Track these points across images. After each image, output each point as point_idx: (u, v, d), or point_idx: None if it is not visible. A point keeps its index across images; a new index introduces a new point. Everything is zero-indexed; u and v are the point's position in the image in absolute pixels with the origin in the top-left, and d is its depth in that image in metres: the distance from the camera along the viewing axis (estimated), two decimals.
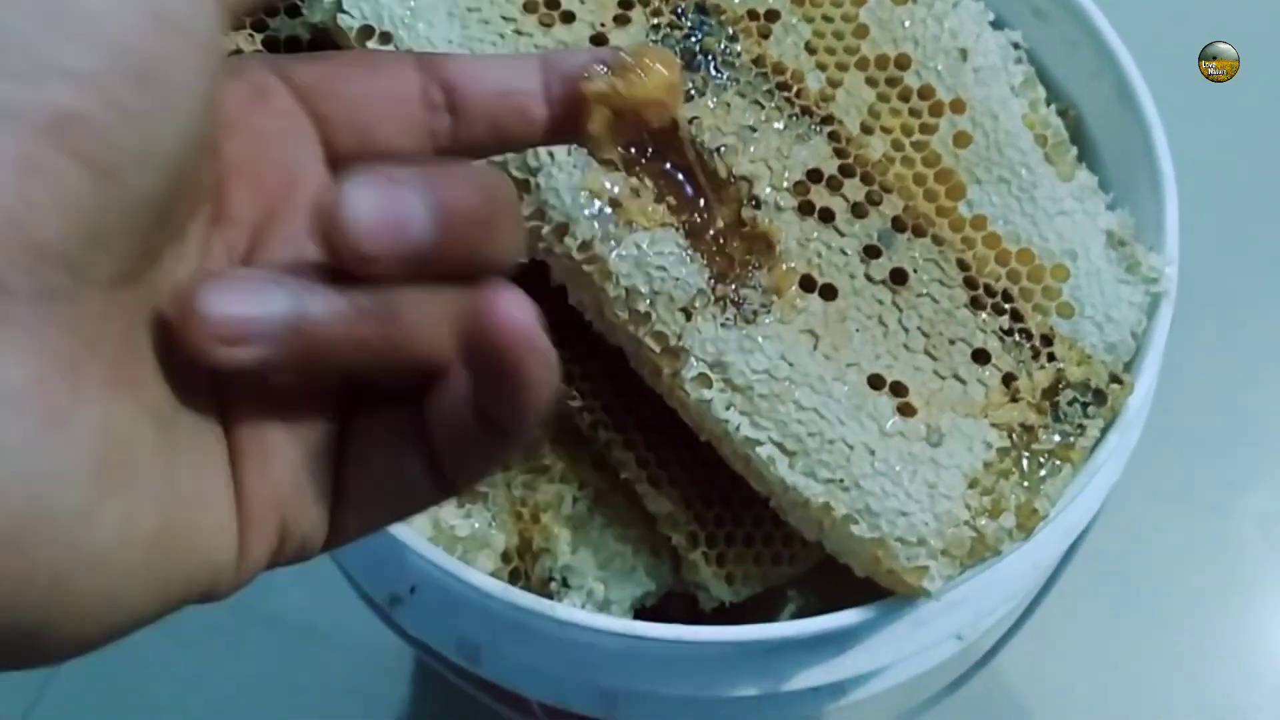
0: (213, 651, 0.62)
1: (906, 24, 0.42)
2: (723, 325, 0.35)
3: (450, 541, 0.38)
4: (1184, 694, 0.64)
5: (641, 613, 0.40)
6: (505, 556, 0.38)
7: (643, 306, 0.35)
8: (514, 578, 0.38)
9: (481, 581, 0.35)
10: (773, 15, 0.41)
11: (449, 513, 0.38)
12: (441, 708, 0.62)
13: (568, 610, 0.35)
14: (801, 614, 0.43)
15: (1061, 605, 0.59)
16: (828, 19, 0.42)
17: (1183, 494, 0.69)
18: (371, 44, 0.37)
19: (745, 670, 0.37)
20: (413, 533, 0.36)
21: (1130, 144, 0.43)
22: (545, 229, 0.35)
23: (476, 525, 0.38)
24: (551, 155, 0.36)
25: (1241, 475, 0.70)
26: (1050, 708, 0.64)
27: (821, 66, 0.41)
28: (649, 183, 0.36)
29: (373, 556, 0.39)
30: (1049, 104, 0.43)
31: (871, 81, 0.41)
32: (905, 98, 0.41)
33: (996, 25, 0.44)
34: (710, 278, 0.35)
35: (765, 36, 0.41)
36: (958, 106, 0.41)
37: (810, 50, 0.41)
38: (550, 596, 0.38)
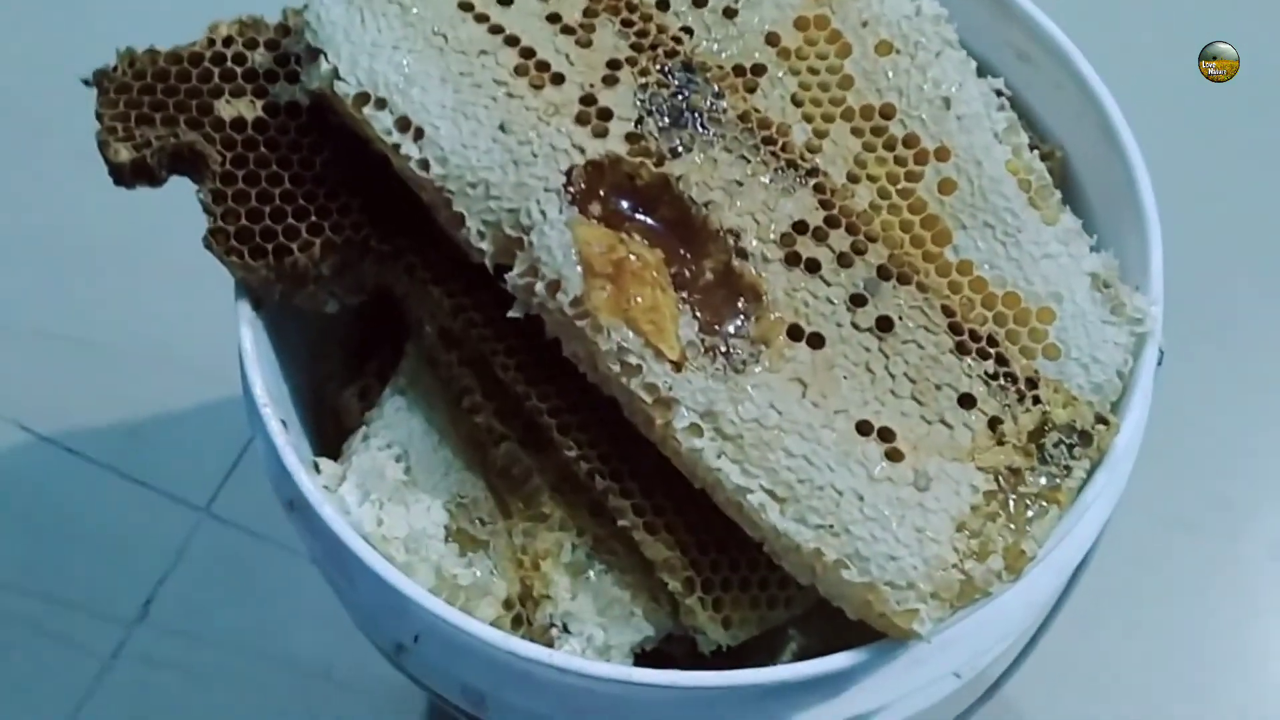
0: (230, 696, 0.63)
1: (890, 75, 0.42)
2: (712, 376, 0.36)
3: (453, 590, 0.39)
4: (1197, 717, 0.64)
5: (643, 655, 0.40)
6: (507, 604, 0.39)
7: (633, 359, 0.35)
8: (516, 624, 0.39)
9: (482, 631, 0.36)
10: (759, 69, 0.42)
11: (451, 561, 0.39)
12: None
13: (565, 658, 0.36)
14: (803, 653, 0.44)
15: (1072, 632, 0.59)
16: (813, 71, 0.43)
17: (1192, 519, 0.69)
18: (368, 109, 0.38)
19: (742, 713, 0.37)
20: (414, 583, 0.37)
21: (1115, 184, 0.44)
22: (538, 285, 0.36)
23: (478, 573, 0.39)
24: (544, 213, 0.37)
25: (1250, 499, 0.70)
26: None
27: (808, 118, 0.42)
28: (637, 238, 0.37)
29: (377, 606, 0.40)
30: (1033, 148, 0.44)
31: (857, 131, 0.42)
32: (891, 147, 0.42)
33: (981, 70, 0.45)
34: (699, 329, 0.36)
35: (751, 90, 0.42)
36: (942, 154, 0.42)
37: (797, 103, 0.42)
38: (551, 642, 0.38)
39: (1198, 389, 0.71)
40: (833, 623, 0.38)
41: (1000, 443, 0.36)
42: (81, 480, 0.65)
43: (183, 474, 0.65)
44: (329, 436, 0.45)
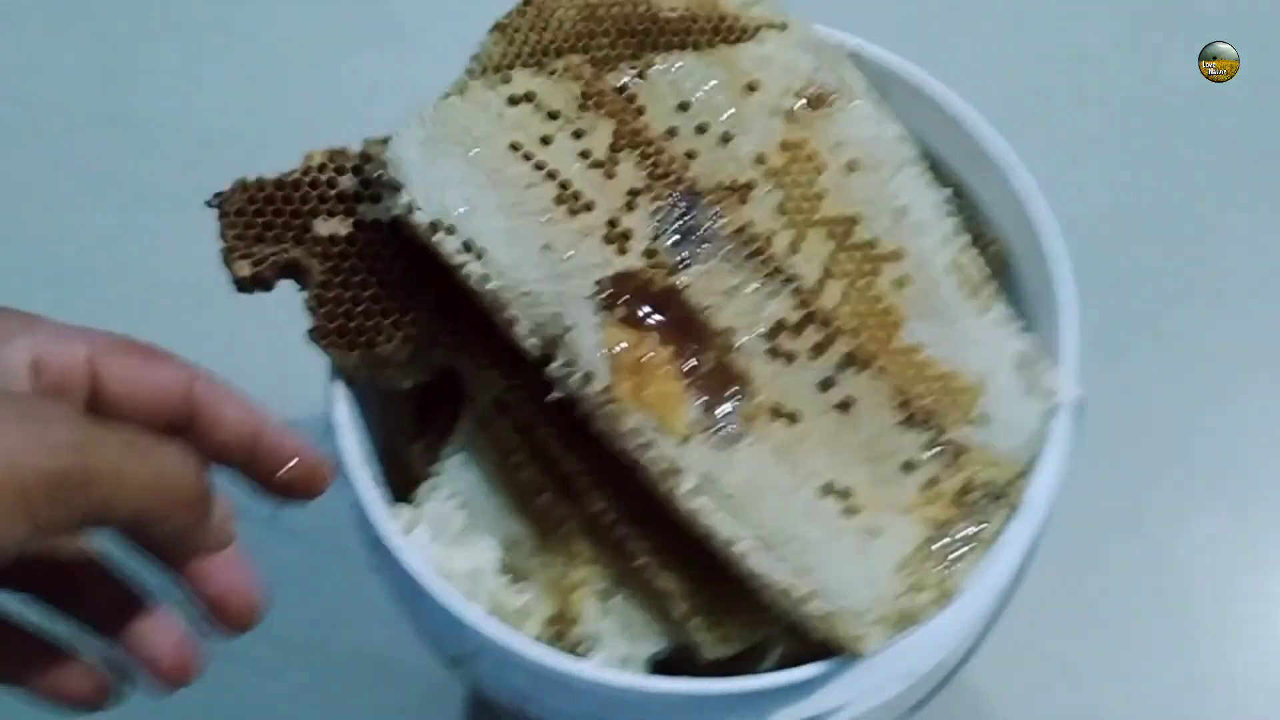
0: (291, 686, 0.73)
1: (857, 188, 0.52)
2: (711, 448, 0.46)
3: (505, 614, 0.48)
4: (1138, 706, 0.72)
5: (658, 663, 0.50)
6: (548, 623, 0.49)
7: (649, 437, 0.45)
8: (555, 639, 0.49)
9: (528, 649, 0.46)
10: (750, 185, 0.51)
11: (503, 591, 0.49)
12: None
13: (594, 670, 0.46)
14: (785, 657, 0.54)
15: (1022, 622, 0.67)
16: (795, 185, 0.52)
17: (1132, 518, 0.75)
18: (438, 236, 0.47)
19: (733, 710, 0.47)
20: (474, 610, 0.47)
21: (1042, 274, 0.53)
22: (574, 377, 0.46)
23: (526, 599, 0.49)
24: (579, 318, 0.46)
25: (1187, 500, 0.76)
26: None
27: (791, 224, 0.52)
28: (654, 336, 0.47)
29: (443, 628, 0.50)
30: (979, 240, 0.54)
31: (831, 235, 0.52)
32: (858, 248, 0.51)
33: (939, 168, 0.54)
34: (701, 410, 0.46)
35: (744, 202, 0.51)
36: (898, 255, 0.51)
37: (782, 211, 0.52)
38: (584, 654, 0.48)
39: (1137, 392, 0.77)
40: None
41: (934, 499, 0.46)
42: None
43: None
44: (397, 482, 0.55)
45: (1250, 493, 0.76)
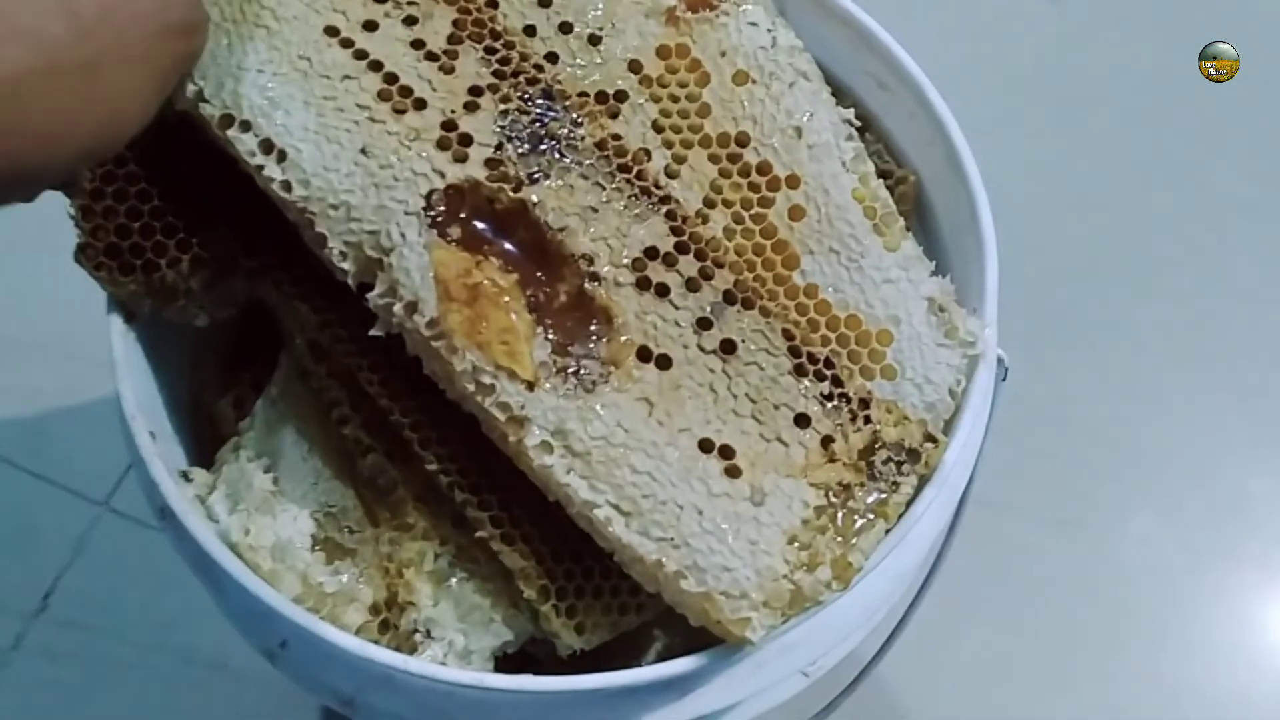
0: (129, 688, 0.64)
1: (746, 104, 0.44)
2: (564, 395, 0.38)
3: (319, 597, 0.40)
4: (1066, 709, 0.68)
5: (507, 658, 0.42)
6: (374, 609, 0.41)
7: (487, 379, 0.37)
8: (383, 629, 0.41)
9: (341, 638, 0.37)
10: (621, 96, 0.44)
11: (317, 569, 0.40)
12: None
13: (421, 665, 0.38)
14: (667, 651, 0.46)
15: (946, 620, 0.62)
16: (674, 99, 0.44)
17: (1067, 517, 0.72)
18: (232, 131, 0.39)
19: (593, 713, 0.39)
20: (277, 592, 0.38)
21: (960, 209, 0.46)
22: (397, 306, 0.38)
23: (344, 580, 0.41)
24: (403, 236, 0.38)
25: (1122, 500, 0.74)
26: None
27: (668, 144, 0.44)
28: (495, 261, 0.39)
29: (245, 613, 0.41)
30: (885, 175, 0.47)
31: (714, 158, 0.44)
32: (745, 173, 0.44)
33: (842, 97, 0.47)
34: (552, 350, 0.38)
35: (614, 116, 0.44)
36: (793, 182, 0.44)
37: (657, 129, 0.44)
38: (415, 647, 0.40)
39: (1075, 392, 0.75)
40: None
41: (832, 460, 0.38)
42: None
43: (83, 468, 0.66)
44: (208, 444, 0.46)
45: (1188, 494, 0.74)
